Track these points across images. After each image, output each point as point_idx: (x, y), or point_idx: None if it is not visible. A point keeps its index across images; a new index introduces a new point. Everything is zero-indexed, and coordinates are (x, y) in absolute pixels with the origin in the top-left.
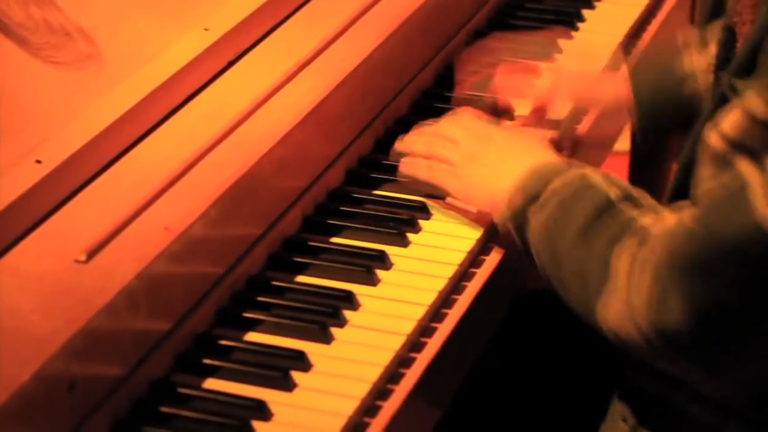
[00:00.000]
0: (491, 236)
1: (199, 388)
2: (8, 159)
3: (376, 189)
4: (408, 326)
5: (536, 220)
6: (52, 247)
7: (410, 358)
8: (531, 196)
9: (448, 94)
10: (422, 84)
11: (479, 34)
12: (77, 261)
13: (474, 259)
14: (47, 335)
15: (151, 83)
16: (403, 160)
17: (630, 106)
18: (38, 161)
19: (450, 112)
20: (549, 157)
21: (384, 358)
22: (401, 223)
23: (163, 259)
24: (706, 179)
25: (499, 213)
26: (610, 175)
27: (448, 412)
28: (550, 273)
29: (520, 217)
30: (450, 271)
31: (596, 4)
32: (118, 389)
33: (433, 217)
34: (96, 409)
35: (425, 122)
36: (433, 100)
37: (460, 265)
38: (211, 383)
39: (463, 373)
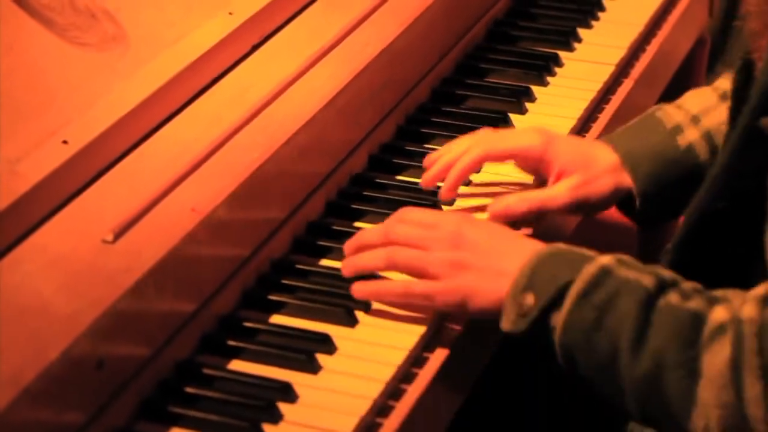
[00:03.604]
0: None
1: (224, 369)
2: (35, 139)
3: (398, 174)
4: None
5: (567, 330)
6: (79, 227)
7: (434, 342)
8: (546, 300)
9: (469, 81)
10: (443, 71)
11: (499, 23)
12: (104, 241)
13: None
14: (74, 315)
15: (176, 66)
16: (357, 284)
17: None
18: (65, 141)
19: (396, 214)
20: (537, 246)
21: (410, 340)
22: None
23: (189, 240)
24: None
25: (510, 321)
26: (625, 258)
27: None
28: (598, 384)
29: (540, 326)
30: None
31: None
32: (145, 369)
33: None
34: (123, 388)
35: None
36: (454, 87)
37: None
38: (236, 365)
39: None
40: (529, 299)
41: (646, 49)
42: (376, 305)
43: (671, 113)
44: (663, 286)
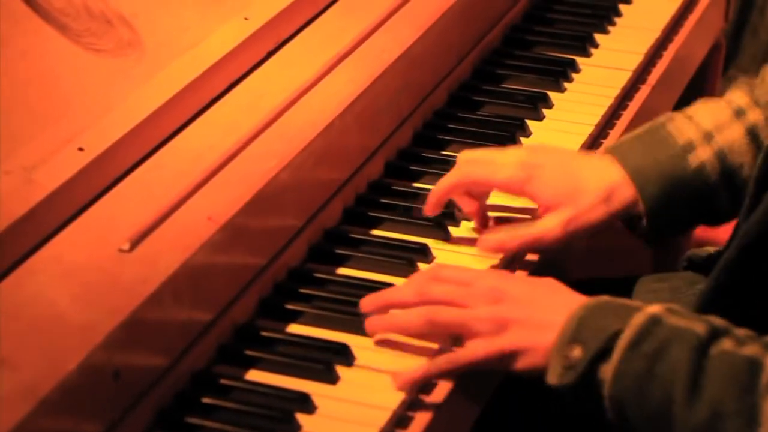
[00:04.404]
0: None
1: (241, 379)
2: (50, 146)
3: (415, 181)
4: None
5: (617, 381)
6: (95, 235)
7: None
8: (595, 351)
9: (486, 87)
10: (460, 76)
11: (515, 28)
12: (121, 250)
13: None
14: (91, 325)
15: (192, 72)
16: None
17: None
18: (80, 149)
19: (428, 271)
20: (581, 298)
21: (431, 349)
22: (443, 215)
23: (206, 249)
24: None
25: (557, 375)
26: (674, 307)
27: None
28: None
29: (588, 378)
30: None
31: None
32: (161, 380)
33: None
34: (139, 399)
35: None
36: (471, 92)
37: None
38: (254, 375)
39: None
40: (577, 351)
41: (662, 54)
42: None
43: (682, 127)
44: (715, 334)
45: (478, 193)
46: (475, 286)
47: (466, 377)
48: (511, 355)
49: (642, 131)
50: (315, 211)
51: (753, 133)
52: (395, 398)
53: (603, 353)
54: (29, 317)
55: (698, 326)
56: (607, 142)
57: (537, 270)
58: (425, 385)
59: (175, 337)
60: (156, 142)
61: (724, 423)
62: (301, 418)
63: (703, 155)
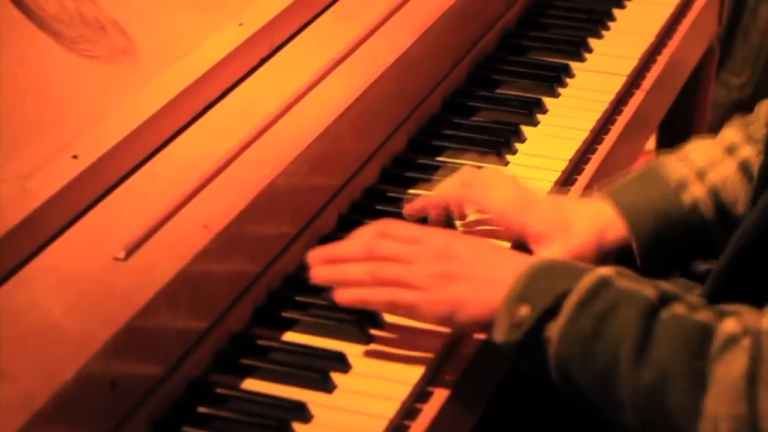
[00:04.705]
0: None
1: (237, 388)
2: (44, 154)
3: (410, 187)
4: None
5: (564, 340)
6: (90, 244)
7: (449, 359)
8: (543, 309)
9: (480, 93)
10: (454, 82)
11: (510, 33)
12: (116, 258)
13: None
14: (87, 334)
15: (187, 78)
16: (340, 291)
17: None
18: (75, 156)
19: (377, 226)
20: (530, 258)
21: (426, 357)
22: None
23: (202, 257)
24: None
25: (503, 332)
26: (625, 270)
27: None
28: (595, 396)
29: (533, 335)
30: None
31: (627, 3)
32: (157, 389)
33: None
34: (136, 408)
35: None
36: (466, 98)
37: None
38: (250, 383)
39: None
40: (524, 310)
41: (657, 59)
42: (389, 321)
43: (675, 166)
44: (666, 299)
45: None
46: (423, 244)
47: (464, 384)
48: (453, 310)
49: (636, 174)
50: (310, 218)
51: (745, 168)
52: (392, 406)
53: (550, 312)
54: (25, 326)
55: (648, 290)
56: (602, 148)
57: None
58: (422, 393)
59: (171, 346)
60: (150, 150)
61: (671, 385)
62: (297, 427)
63: (696, 192)
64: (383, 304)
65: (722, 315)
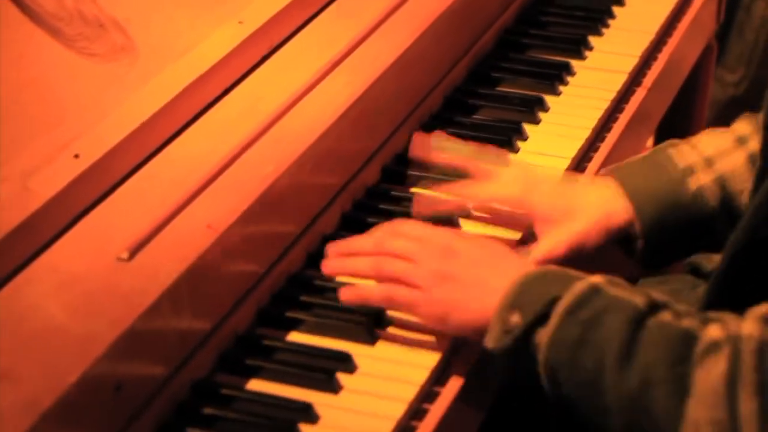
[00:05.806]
0: None
1: (242, 389)
2: (45, 153)
3: (412, 186)
4: None
5: (552, 346)
6: (93, 244)
7: (456, 360)
8: (533, 316)
9: (481, 91)
10: (455, 80)
11: (510, 31)
12: (119, 259)
13: None
14: (92, 336)
15: (187, 77)
16: (344, 289)
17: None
18: (76, 156)
19: (389, 225)
20: (528, 265)
21: (431, 358)
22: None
23: (206, 258)
24: None
25: (494, 338)
26: (617, 279)
27: None
28: (582, 403)
29: (523, 342)
30: None
31: (626, 0)
32: (162, 390)
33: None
34: (141, 410)
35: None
36: (466, 96)
37: None
38: (255, 384)
39: None
40: (516, 317)
41: (657, 56)
42: (395, 320)
43: (684, 152)
44: (654, 307)
45: None
46: (427, 243)
47: (471, 382)
48: (447, 312)
49: (643, 156)
50: (313, 217)
51: (754, 160)
52: (399, 407)
53: (541, 318)
54: (28, 329)
55: (637, 298)
56: (605, 146)
57: None
58: (429, 393)
59: (175, 347)
60: (152, 149)
61: (654, 390)
62: (304, 428)
63: (703, 179)
64: (382, 299)
65: (707, 322)
